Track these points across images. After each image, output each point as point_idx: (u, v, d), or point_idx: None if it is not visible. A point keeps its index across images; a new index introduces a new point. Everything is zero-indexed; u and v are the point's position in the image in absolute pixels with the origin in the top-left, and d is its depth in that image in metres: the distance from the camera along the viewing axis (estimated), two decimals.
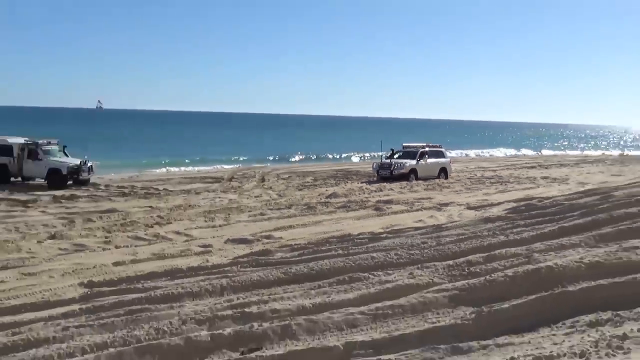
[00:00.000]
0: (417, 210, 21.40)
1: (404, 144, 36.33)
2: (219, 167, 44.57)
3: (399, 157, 33.88)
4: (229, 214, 20.60)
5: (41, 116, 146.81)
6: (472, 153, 72.90)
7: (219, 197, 25.34)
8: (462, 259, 10.19)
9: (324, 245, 14.05)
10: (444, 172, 34.08)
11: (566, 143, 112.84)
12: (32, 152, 27.93)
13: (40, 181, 28.08)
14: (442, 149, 35.87)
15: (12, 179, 28.17)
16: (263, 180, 33.10)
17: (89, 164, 28.86)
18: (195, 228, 18.10)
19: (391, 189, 28.17)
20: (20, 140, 28.67)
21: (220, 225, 18.53)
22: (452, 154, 51.35)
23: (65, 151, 29.50)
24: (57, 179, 27.41)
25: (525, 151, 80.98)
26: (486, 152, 76.14)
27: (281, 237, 16.35)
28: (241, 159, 52.89)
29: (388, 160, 33.72)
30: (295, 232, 17.34)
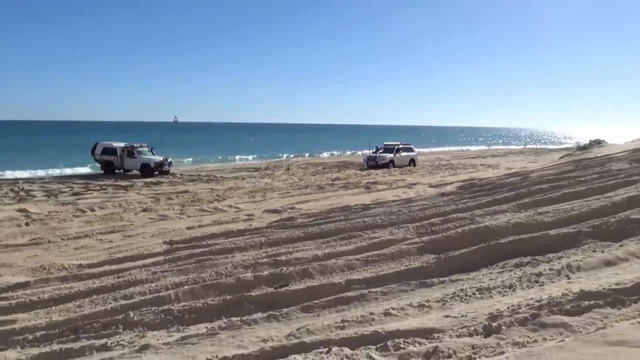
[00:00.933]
0: (394, 188, 21.28)
1: (385, 143, 36.12)
2: (257, 161, 44.56)
3: (381, 152, 33.73)
4: (265, 193, 20.56)
5: (130, 128, 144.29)
6: (432, 149, 72.43)
7: (258, 181, 25.30)
8: (426, 222, 10.14)
9: (330, 213, 14.02)
10: (412, 162, 33.90)
11: (494, 141, 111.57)
12: (130, 152, 28.33)
13: (136, 172, 28.32)
14: (411, 146, 35.66)
15: (116, 171, 28.53)
16: (288, 169, 33.03)
17: (169, 160, 29.33)
18: (242, 203, 18.09)
19: (376, 174, 28.03)
20: (121, 144, 29.03)
21: (259, 200, 18.51)
22: (419, 149, 51.07)
23: (153, 151, 29.71)
24: (147, 170, 27.76)
25: (466, 147, 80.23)
26: (439, 149, 75.58)
27: (301, 208, 16.33)
28: (264, 155, 52.81)
29: (374, 154, 33.56)
30: (311, 204, 17.32)
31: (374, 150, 34.99)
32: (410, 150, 34.74)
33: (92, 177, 27.40)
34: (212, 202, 18.18)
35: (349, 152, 60.32)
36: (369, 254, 8.14)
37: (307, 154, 54.64)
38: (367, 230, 10.12)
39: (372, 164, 32.38)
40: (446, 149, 74.66)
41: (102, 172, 28.27)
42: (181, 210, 16.53)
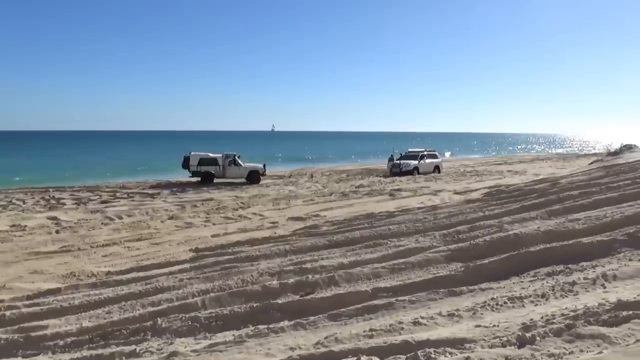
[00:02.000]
0: (419, 195, 21.10)
1: (409, 150, 35.89)
2: (281, 168, 44.79)
3: (404, 159, 33.54)
4: (289, 200, 20.61)
5: (226, 137, 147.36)
6: (457, 156, 71.77)
7: (282, 189, 25.40)
8: (452, 229, 10.00)
9: (355, 220, 13.95)
10: (437, 168, 33.57)
11: (522, 147, 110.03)
12: (233, 161, 28.92)
13: (238, 180, 28.86)
14: (436, 152, 35.34)
15: (215, 180, 28.85)
16: (312, 176, 33.08)
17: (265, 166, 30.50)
18: (266, 210, 18.16)
19: (401, 181, 27.84)
20: (218, 154, 29.34)
21: (283, 208, 18.56)
22: (445, 156, 50.62)
23: (239, 160, 29.98)
24: (255, 177, 28.82)
25: (493, 154, 79.23)
26: (466, 155, 74.84)
27: (325, 216, 16.30)
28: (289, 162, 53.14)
29: (398, 161, 33.36)
30: (335, 212, 17.28)
31: (398, 157, 34.85)
32: (435, 156, 34.45)
33: (190, 185, 27.74)
34: (236, 210, 18.29)
35: (371, 159, 60.37)
36: (395, 262, 8.05)
37: (329, 162, 54.86)
38: (392, 238, 10.03)
39: (396, 171, 32.18)
40: (471, 156, 74.05)
41: (199, 181, 28.50)
42: (206, 218, 16.65)
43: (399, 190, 23.10)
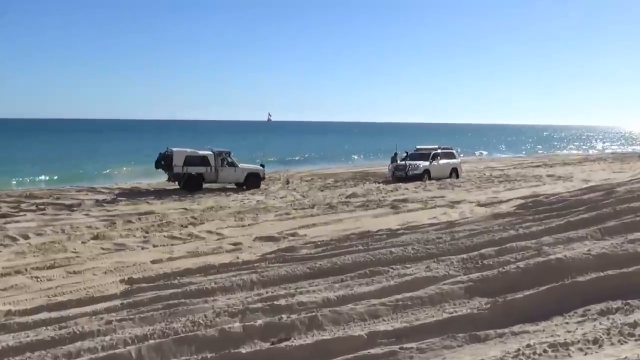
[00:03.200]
0: (431, 207, 21.22)
1: (417, 147, 36.10)
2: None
3: (412, 159, 33.73)
4: (257, 214, 20.57)
5: (210, 128, 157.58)
6: (478, 154, 72.55)
7: (247, 199, 25.34)
8: (475, 253, 10.03)
9: (345, 241, 13.95)
10: (455, 172, 33.84)
11: (563, 144, 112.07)
12: (226, 160, 29.58)
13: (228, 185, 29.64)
14: (453, 151, 35.61)
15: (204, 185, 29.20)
16: (287, 182, 33.06)
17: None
18: (226, 227, 18.09)
19: (406, 189, 27.98)
20: (208, 152, 29.67)
21: (249, 225, 18.51)
22: (462, 155, 51.05)
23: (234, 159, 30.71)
24: (255, 181, 29.74)
25: (524, 153, 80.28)
26: (493, 154, 75.68)
27: (305, 235, 16.28)
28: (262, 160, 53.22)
29: (403, 162, 33.54)
30: (319, 229, 17.26)
31: (403, 157, 35.04)
32: (452, 156, 34.74)
33: (165, 192, 27.92)
34: (185, 227, 18.20)
35: (369, 159, 60.72)
36: (398, 297, 8.05)
37: (312, 164, 55.00)
38: (395, 265, 10.04)
39: (401, 175, 32.40)
40: (499, 155, 74.91)
41: (180, 187, 28.73)
42: (144, 237, 16.54)
43: (405, 201, 23.19)
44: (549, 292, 7.37)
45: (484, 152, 74.13)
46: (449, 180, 32.06)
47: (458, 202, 22.21)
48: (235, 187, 29.61)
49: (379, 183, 31.60)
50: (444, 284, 8.36)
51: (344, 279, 9.59)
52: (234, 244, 15.24)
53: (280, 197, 25.74)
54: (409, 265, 9.91)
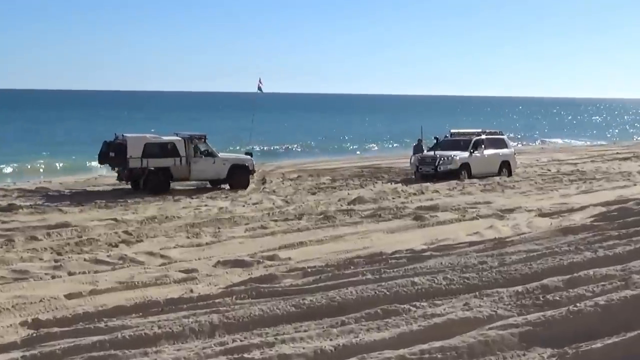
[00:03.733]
0: (471, 219, 21.26)
1: (452, 131, 36.21)
2: None
3: (443, 148, 33.81)
4: (219, 228, 20.54)
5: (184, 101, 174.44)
6: (540, 141, 72.85)
7: (206, 205, 25.31)
8: (534, 284, 10.06)
9: (347, 267, 13.95)
10: (506, 167, 34.01)
11: None
12: (205, 149, 30.53)
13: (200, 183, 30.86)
14: (504, 137, 35.80)
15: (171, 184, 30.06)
16: (264, 181, 33.12)
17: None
18: (175, 247, 18.05)
19: (436, 191, 28.03)
20: (175, 137, 30.37)
21: (207, 243, 18.48)
22: (516, 144, 51.21)
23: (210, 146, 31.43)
24: (242, 177, 30.56)
25: (610, 137, 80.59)
26: (560, 139, 76.02)
27: (289, 258, 16.28)
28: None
29: (431, 153, 33.60)
30: (308, 250, 17.27)
31: (432, 146, 35.10)
32: (502, 144, 34.94)
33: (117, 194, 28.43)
34: (115, 246, 18.17)
35: (383, 150, 60.67)
36: (424, 348, 8.08)
37: (301, 156, 55.08)
38: (419, 302, 10.05)
39: (428, 171, 32.53)
40: (570, 140, 75.18)
41: (139, 188, 29.42)
42: (56, 261, 16.47)
43: (433, 209, 23.23)
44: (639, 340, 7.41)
45: (547, 141, 74.31)
46: (497, 179, 32.16)
47: (511, 211, 22.26)
48: (209, 185, 30.48)
49: (395, 183, 31.65)
50: (489, 329, 8.39)
51: (346, 322, 9.59)
52: (186, 271, 15.20)
53: (253, 203, 25.73)
54: (439, 302, 9.92)
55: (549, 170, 36.70)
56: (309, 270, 14.15)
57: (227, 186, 30.45)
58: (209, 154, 30.30)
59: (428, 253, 14.65)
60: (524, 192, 27.83)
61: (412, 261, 13.61)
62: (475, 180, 31.43)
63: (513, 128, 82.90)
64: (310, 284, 12.33)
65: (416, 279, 11.20)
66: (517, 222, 20.16)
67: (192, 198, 27.29)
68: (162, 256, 16.99)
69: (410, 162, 34.77)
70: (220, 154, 30.82)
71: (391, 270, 12.60)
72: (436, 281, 11.00)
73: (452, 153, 32.87)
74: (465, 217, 21.55)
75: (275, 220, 21.67)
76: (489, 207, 23.46)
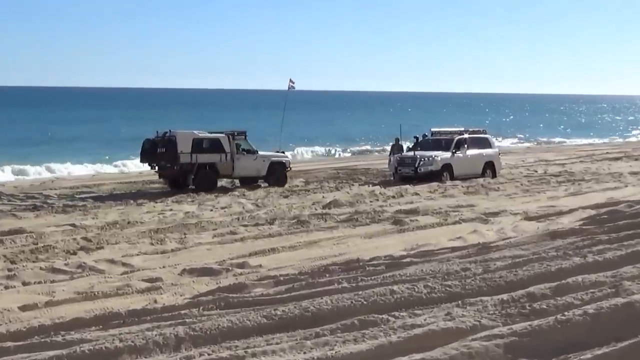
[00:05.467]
0: (454, 223, 21.31)
1: (433, 129, 36.35)
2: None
3: (423, 148, 33.93)
4: (185, 234, 20.47)
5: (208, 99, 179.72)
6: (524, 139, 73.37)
7: (171, 210, 25.24)
8: (520, 292, 10.09)
9: (322, 275, 13.94)
10: (490, 168, 34.18)
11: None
12: (246, 147, 32.39)
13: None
14: (488, 136, 35.97)
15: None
16: (233, 183, 33.11)
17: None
18: (138, 254, 17.96)
19: (416, 193, 28.10)
20: (219, 134, 32.15)
21: (172, 250, 18.41)
22: (500, 142, 51.42)
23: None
24: (281, 174, 32.58)
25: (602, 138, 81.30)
26: (549, 138, 76.56)
27: (260, 266, 16.25)
28: None
29: (411, 153, 33.70)
30: (281, 257, 17.25)
31: (412, 145, 35.20)
32: (486, 144, 35.12)
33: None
34: (74, 254, 18.05)
35: (358, 149, 60.90)
36: None
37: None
38: (399, 311, 10.05)
39: (408, 172, 32.65)
40: (558, 139, 75.76)
41: (191, 185, 31.11)
42: (9, 270, 16.33)
43: (413, 212, 23.27)
44: (632, 350, 7.45)
45: (539, 139, 74.88)
46: (481, 180, 32.31)
47: (495, 215, 22.35)
48: (238, 184, 32.36)
49: (373, 185, 31.72)
50: (473, 340, 8.40)
51: (320, 333, 9.58)
52: (150, 280, 15.13)
53: (222, 207, 25.68)
54: (419, 312, 9.92)
55: (536, 172, 36.89)
56: (281, 278, 14.14)
57: (236, 184, 32.54)
58: (250, 151, 31.95)
59: (408, 259, 14.66)
60: (509, 194, 27.95)
61: (391, 268, 13.62)
62: (457, 182, 31.56)
63: (502, 125, 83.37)
64: (283, 294, 12.31)
65: (395, 288, 11.21)
66: (502, 226, 20.23)
67: (156, 202, 27.22)
68: (124, 264, 16.91)
69: (389, 163, 34.89)
70: (262, 152, 32.59)
71: (369, 278, 12.61)
72: (416, 289, 11.01)
73: (433, 153, 33.01)
74: (447, 221, 21.59)
75: (245, 225, 21.64)
76: (473, 210, 23.53)
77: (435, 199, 26.74)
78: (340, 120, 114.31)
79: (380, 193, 28.40)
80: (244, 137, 32.79)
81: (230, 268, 16.08)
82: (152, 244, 19.26)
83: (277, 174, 32.39)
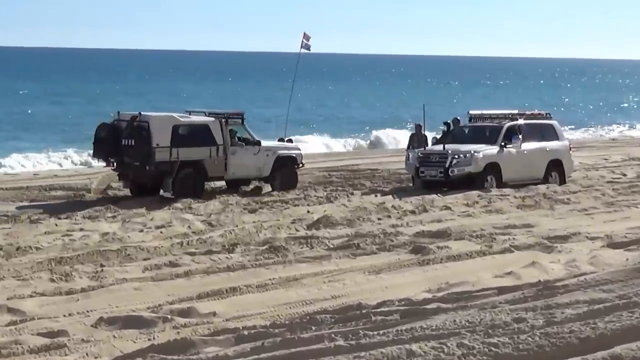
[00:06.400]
0: (502, 251, 21.34)
1: (471, 112, 36.38)
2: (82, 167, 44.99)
3: (455, 140, 33.97)
4: (102, 265, 20.44)
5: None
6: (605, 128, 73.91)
7: (82, 229, 25.22)
8: (601, 354, 10.14)
9: (306, 328, 13.96)
10: (557, 169, 34.25)
11: None
12: (247, 136, 32.96)
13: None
14: (553, 122, 35.99)
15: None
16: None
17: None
18: (31, 296, 17.94)
19: (447, 207, 28.16)
20: (206, 117, 32.77)
21: (83, 290, 18.38)
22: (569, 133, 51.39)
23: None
24: (290, 173, 33.36)
25: None
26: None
27: (214, 313, 16.25)
28: None
29: (439, 148, 33.71)
30: (245, 301, 17.26)
31: (441, 135, 35.27)
32: (550, 134, 35.19)
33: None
34: None
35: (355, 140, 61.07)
36: None
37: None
38: None
39: (435, 176, 32.66)
40: None
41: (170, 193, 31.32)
42: None
43: (442, 235, 23.33)
44: None
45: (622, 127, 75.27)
46: (543, 188, 32.32)
47: (564, 239, 22.39)
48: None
49: (383, 194, 31.74)
50: None
51: None
52: (49, 335, 15.11)
53: (157, 227, 25.68)
54: None
55: (625, 175, 36.97)
56: (246, 332, 14.12)
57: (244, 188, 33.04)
58: (249, 141, 32.29)
59: (434, 305, 14.69)
60: (584, 209, 27.99)
61: (409, 318, 13.65)
62: (508, 190, 31.57)
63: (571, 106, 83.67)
64: (248, 355, 12.33)
65: (415, 347, 11.25)
66: (574, 256, 20.26)
67: (60, 218, 27.14)
68: (9, 310, 16.86)
69: (407, 162, 34.78)
70: (264, 142, 33.10)
71: (375, 333, 12.63)
72: (446, 350, 11.05)
73: (472, 148, 32.95)
74: (493, 249, 21.61)
75: (192, 254, 21.60)
76: (530, 232, 23.57)
77: (475, 216, 26.77)
78: (346, 93, 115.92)
79: (393, 207, 28.40)
80: (240, 121, 33.20)
81: (169, 317, 16.04)
82: (52, 280, 19.20)
83: (286, 173, 32.88)
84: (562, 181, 33.69)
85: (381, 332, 12.73)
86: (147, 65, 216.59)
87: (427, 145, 34.88)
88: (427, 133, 37.03)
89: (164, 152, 30.54)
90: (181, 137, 31.11)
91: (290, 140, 34.80)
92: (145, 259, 21.13)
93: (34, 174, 41.12)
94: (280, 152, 32.96)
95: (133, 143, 30.58)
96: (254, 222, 26.29)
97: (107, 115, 32.71)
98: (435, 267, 20.01)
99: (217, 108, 33.30)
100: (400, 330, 12.63)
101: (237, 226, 25.49)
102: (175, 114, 32.50)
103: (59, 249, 22.44)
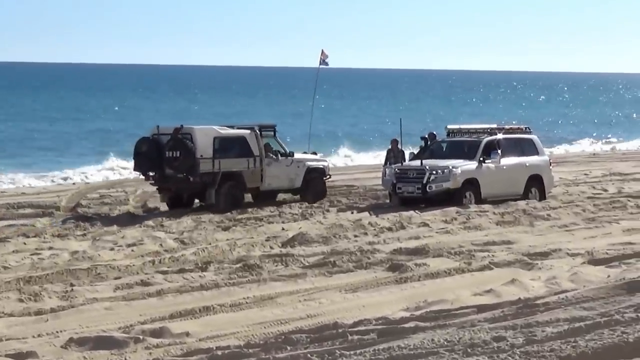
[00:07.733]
0: (481, 268, 21.37)
1: (449, 127, 36.43)
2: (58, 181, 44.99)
3: (433, 155, 34.04)
4: (72, 285, 20.39)
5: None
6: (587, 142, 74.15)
7: (51, 248, 25.14)
8: None
9: (281, 348, 13.97)
10: (537, 185, 34.32)
11: None
12: (278, 149, 33.78)
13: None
14: (533, 137, 36.06)
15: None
16: (144, 206, 33.31)
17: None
18: (0, 316, 17.89)
19: (424, 224, 28.17)
20: (243, 130, 33.44)
21: (53, 310, 18.33)
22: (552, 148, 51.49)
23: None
24: (319, 185, 34.29)
25: None
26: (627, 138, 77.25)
27: (187, 334, 16.24)
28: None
29: (417, 163, 33.73)
30: (219, 320, 17.23)
31: (419, 150, 35.30)
32: (530, 149, 35.28)
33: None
34: None
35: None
36: None
37: None
38: None
39: (412, 192, 32.67)
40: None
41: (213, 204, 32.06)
42: None
43: (419, 252, 23.34)
44: None
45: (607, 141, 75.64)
46: (523, 204, 32.37)
47: (544, 256, 22.43)
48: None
49: (359, 210, 31.73)
50: None
51: None
52: (18, 356, 15.07)
53: (128, 245, 25.60)
54: None
55: (605, 190, 37.02)
56: (219, 353, 14.13)
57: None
58: (282, 153, 33.23)
59: (412, 324, 14.69)
60: (565, 225, 28.03)
61: (386, 337, 13.65)
62: (487, 206, 31.60)
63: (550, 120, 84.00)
64: None
65: None
66: (555, 273, 20.30)
67: (28, 236, 27.07)
68: None
69: (384, 178, 34.78)
70: (296, 155, 33.95)
71: (352, 353, 12.64)
72: None
73: (450, 163, 32.96)
74: (472, 267, 21.63)
75: (165, 272, 21.57)
76: (510, 249, 23.61)
77: (454, 233, 26.79)
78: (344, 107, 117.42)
79: (369, 223, 28.40)
80: (272, 133, 33.93)
81: (141, 337, 16.01)
82: (21, 300, 19.15)
83: (316, 184, 33.70)
84: (542, 197, 33.75)
85: (358, 351, 12.74)
86: (142, 79, 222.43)
87: (404, 161, 34.91)
88: (403, 148, 37.07)
89: (208, 163, 31.31)
90: (221, 148, 31.91)
91: (314, 153, 35.62)
92: (116, 278, 21.10)
93: (1, 192, 41.05)
94: (310, 163, 33.95)
95: (178, 154, 31.27)
96: (227, 239, 26.30)
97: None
98: (413, 285, 20.03)
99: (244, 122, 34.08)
100: (378, 350, 12.63)
101: (210, 244, 25.49)
102: (215, 126, 33.20)
103: (28, 268, 22.39)
